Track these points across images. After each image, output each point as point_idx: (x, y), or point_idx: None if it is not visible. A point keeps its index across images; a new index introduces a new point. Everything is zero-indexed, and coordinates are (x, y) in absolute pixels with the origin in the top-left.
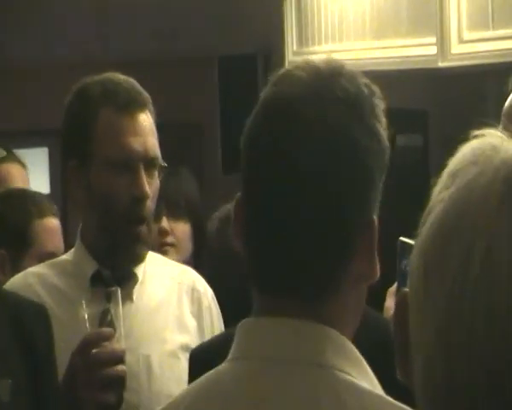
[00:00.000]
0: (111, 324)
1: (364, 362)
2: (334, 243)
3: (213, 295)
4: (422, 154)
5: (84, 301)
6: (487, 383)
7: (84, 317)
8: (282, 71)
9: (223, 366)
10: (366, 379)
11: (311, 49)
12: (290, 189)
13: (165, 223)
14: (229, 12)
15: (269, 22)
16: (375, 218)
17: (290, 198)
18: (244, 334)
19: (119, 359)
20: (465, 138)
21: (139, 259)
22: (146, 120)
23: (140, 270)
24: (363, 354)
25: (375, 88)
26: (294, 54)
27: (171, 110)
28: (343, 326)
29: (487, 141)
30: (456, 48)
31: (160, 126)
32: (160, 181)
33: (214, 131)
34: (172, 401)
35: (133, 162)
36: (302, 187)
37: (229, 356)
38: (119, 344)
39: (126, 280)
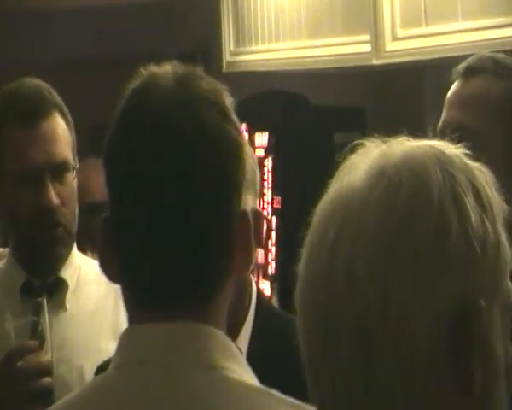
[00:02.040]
0: (41, 335)
1: (242, 357)
2: (219, 241)
3: None
4: None
5: (9, 313)
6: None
7: (9, 329)
8: (142, 79)
9: (108, 373)
10: (248, 375)
11: (248, 48)
12: (168, 194)
13: None
14: (167, 11)
15: (207, 22)
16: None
17: (168, 203)
18: (126, 341)
19: (46, 371)
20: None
21: (60, 261)
22: (49, 126)
23: (72, 277)
24: None
25: (221, 85)
26: (232, 54)
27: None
28: (222, 321)
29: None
30: (390, 45)
31: (104, 127)
32: None
33: None
34: (57, 407)
35: (37, 174)
36: (183, 189)
37: (114, 363)
38: (47, 356)
39: (56, 288)
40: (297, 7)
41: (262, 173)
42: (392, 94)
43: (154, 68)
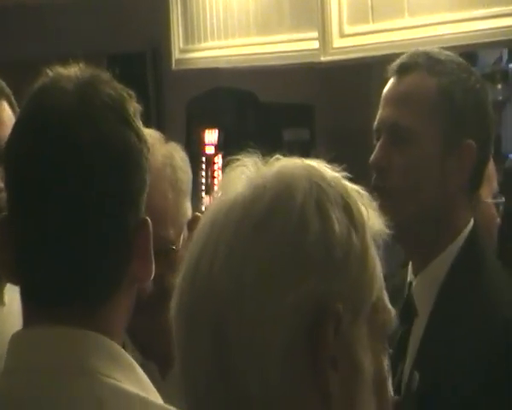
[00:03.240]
0: None
1: (136, 366)
2: (112, 248)
3: None
4: (309, 147)
5: None
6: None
7: None
8: (41, 83)
9: None
10: (135, 383)
11: (197, 46)
12: (62, 197)
13: None
14: (116, 10)
15: (156, 20)
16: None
17: (63, 205)
18: (15, 346)
19: None
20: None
21: None
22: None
23: None
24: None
25: (131, 92)
26: (181, 51)
27: None
28: (116, 329)
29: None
30: (337, 42)
31: None
32: None
33: None
34: None
35: None
36: (77, 193)
37: (2, 370)
38: None
39: None
40: (245, 4)
41: (212, 171)
42: (341, 91)
43: (58, 70)
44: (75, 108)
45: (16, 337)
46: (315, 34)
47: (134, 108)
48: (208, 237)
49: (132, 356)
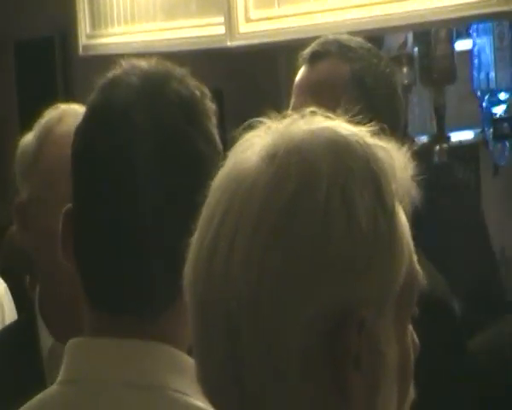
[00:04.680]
0: None
1: None
2: (169, 258)
3: (7, 289)
4: (219, 132)
5: None
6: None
7: None
8: (109, 76)
9: (53, 389)
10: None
11: (104, 31)
12: (126, 200)
13: None
14: None
15: (64, 5)
16: None
17: (126, 209)
18: (74, 355)
19: None
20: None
21: None
22: None
23: None
24: None
25: (206, 90)
26: (88, 37)
27: None
28: (181, 341)
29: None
30: (243, 27)
31: None
32: None
33: (13, 122)
34: None
35: None
36: (139, 197)
37: (60, 378)
38: None
39: None
40: None
41: None
42: (249, 75)
43: (131, 62)
44: (139, 107)
45: (78, 345)
46: (221, 19)
47: (207, 108)
48: (223, 224)
49: (42, 337)
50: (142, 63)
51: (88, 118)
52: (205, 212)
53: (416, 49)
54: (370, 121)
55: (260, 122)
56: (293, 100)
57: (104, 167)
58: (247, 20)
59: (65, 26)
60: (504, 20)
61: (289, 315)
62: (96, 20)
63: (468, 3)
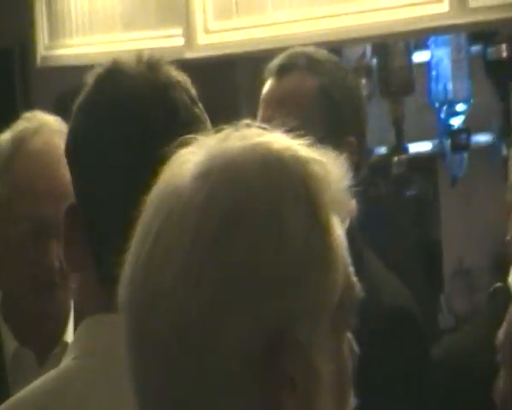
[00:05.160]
0: None
1: None
2: None
3: None
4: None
5: None
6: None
7: None
8: (105, 67)
9: (69, 364)
10: None
11: (62, 42)
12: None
13: None
14: None
15: (22, 16)
16: None
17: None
18: (89, 331)
19: None
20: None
21: None
22: None
23: None
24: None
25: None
26: (46, 48)
27: None
28: None
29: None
30: (202, 38)
31: None
32: None
33: None
34: (18, 400)
35: None
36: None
37: (73, 354)
38: None
39: None
40: (111, 0)
41: None
42: (208, 88)
43: (115, 59)
44: (149, 88)
45: (91, 322)
46: (180, 31)
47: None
48: (157, 241)
49: (6, 341)
50: (133, 55)
51: (90, 112)
52: (140, 228)
53: (374, 60)
54: (340, 134)
55: (193, 138)
56: (260, 113)
57: (119, 162)
58: (206, 31)
59: (23, 38)
60: (461, 32)
61: (224, 333)
62: (55, 31)
63: (425, 16)
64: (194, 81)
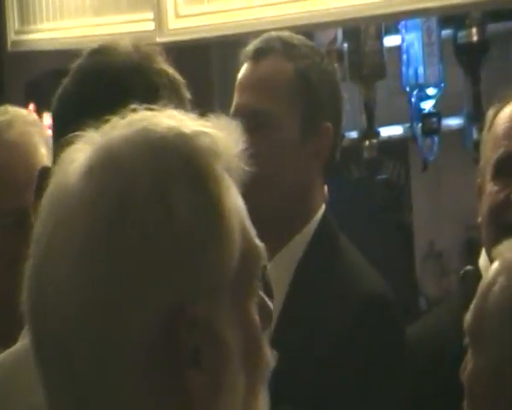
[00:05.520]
0: None
1: None
2: None
3: None
4: None
5: None
6: None
7: None
8: (100, 44)
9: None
10: None
11: (33, 27)
12: None
13: None
14: None
15: None
16: None
17: None
18: None
19: None
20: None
21: None
22: None
23: None
24: None
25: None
26: (16, 32)
27: None
28: None
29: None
30: (173, 23)
31: None
32: None
33: None
34: None
35: None
36: None
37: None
38: None
39: None
40: None
41: None
42: (180, 72)
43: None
44: (134, 69)
45: None
46: (150, 15)
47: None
48: (51, 240)
49: None
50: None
51: (76, 78)
52: (36, 229)
53: (345, 45)
54: (317, 119)
55: (80, 135)
56: (235, 97)
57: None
58: (177, 15)
59: None
60: (432, 16)
61: (122, 321)
62: (25, 16)
63: (396, 0)
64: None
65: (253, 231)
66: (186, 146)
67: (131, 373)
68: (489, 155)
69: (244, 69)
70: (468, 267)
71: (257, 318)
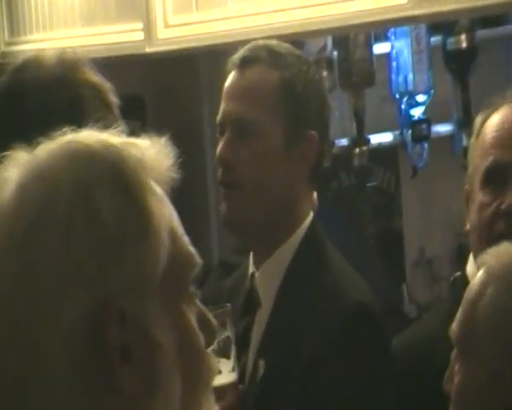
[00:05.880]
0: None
1: None
2: None
3: None
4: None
5: None
6: None
7: None
8: (24, 58)
9: None
10: None
11: (23, 38)
12: None
13: None
14: None
15: None
16: None
17: None
18: None
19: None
20: None
21: None
22: None
23: None
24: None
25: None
26: (6, 44)
27: None
28: None
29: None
30: (162, 33)
31: None
32: None
33: None
34: None
35: None
36: None
37: None
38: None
39: None
40: None
41: None
42: (169, 82)
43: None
44: (57, 82)
45: None
46: (140, 25)
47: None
48: None
49: None
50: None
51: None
52: None
53: (335, 52)
54: (301, 128)
55: (9, 156)
56: (222, 105)
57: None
58: (166, 25)
59: None
60: (420, 23)
61: (47, 320)
62: (15, 27)
63: (385, 7)
64: (156, 74)
65: (186, 239)
66: (112, 154)
67: (64, 373)
68: (477, 163)
69: (230, 78)
70: (457, 274)
71: (194, 324)
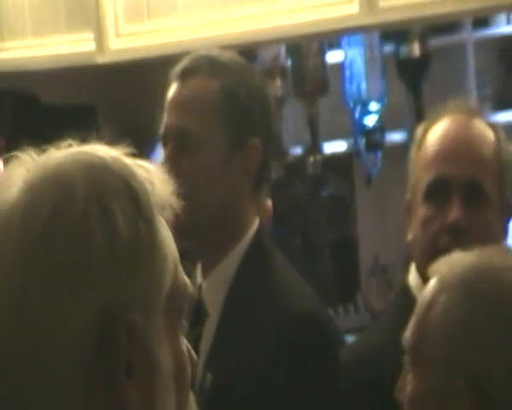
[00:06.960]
0: None
1: None
2: None
3: None
4: None
5: None
6: None
7: None
8: None
9: None
10: None
11: None
12: None
13: None
14: None
15: None
16: None
17: None
18: None
19: None
20: None
21: None
22: None
23: None
24: None
25: None
26: None
27: None
28: None
29: None
30: (113, 43)
31: None
32: None
33: None
34: None
35: None
36: None
37: None
38: None
39: None
40: (20, 6)
41: None
42: (122, 92)
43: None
44: None
45: None
46: (91, 35)
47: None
48: None
49: None
50: None
51: None
52: None
53: (288, 61)
54: (244, 136)
55: (16, 156)
56: (165, 117)
57: None
58: (117, 35)
59: None
60: (372, 32)
61: (56, 329)
62: None
63: (336, 17)
64: (109, 84)
65: (182, 269)
66: (123, 171)
67: (68, 384)
68: (420, 175)
69: (172, 89)
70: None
71: (185, 350)
